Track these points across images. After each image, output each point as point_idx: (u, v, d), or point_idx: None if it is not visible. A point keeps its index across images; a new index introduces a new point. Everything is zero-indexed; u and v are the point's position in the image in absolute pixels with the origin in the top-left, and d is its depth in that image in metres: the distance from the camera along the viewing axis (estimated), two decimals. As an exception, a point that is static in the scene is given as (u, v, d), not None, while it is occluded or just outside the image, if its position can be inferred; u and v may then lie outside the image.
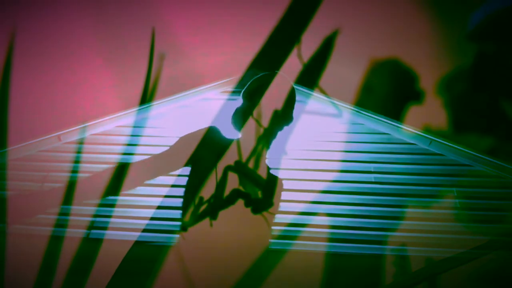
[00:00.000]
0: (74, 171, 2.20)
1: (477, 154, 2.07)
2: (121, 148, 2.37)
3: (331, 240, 1.92)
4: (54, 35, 2.02)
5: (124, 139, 2.33)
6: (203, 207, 1.13)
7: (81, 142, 2.28)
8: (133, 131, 2.38)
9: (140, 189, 2.13)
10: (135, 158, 2.23)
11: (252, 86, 1.28)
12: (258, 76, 1.29)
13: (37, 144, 2.31)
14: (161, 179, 2.16)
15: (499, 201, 2.00)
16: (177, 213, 1.99)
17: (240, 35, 1.97)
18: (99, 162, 2.23)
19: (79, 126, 2.34)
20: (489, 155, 1.93)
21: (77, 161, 2.25)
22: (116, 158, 2.28)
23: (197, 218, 1.14)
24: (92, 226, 2.02)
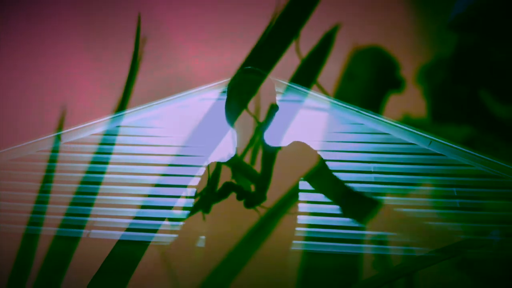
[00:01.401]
0: (74, 171, 2.20)
1: (477, 154, 2.07)
2: (121, 148, 2.37)
3: (330, 240, 1.92)
4: (49, 34, 2.02)
5: (124, 140, 2.33)
6: (195, 200, 1.13)
7: (58, 143, 2.27)
8: (132, 131, 2.38)
9: (124, 189, 2.13)
10: (135, 158, 2.23)
11: (232, 83, 1.31)
12: (236, 74, 1.31)
13: (37, 144, 2.32)
14: (144, 179, 2.16)
15: (499, 201, 1.99)
16: (163, 212, 2.00)
17: (238, 33, 1.97)
18: (99, 162, 2.23)
19: (79, 126, 2.34)
20: (466, 145, 1.92)
21: (76, 161, 2.25)
22: (116, 159, 2.29)
23: (190, 211, 1.13)
24: (92, 226, 2.02)
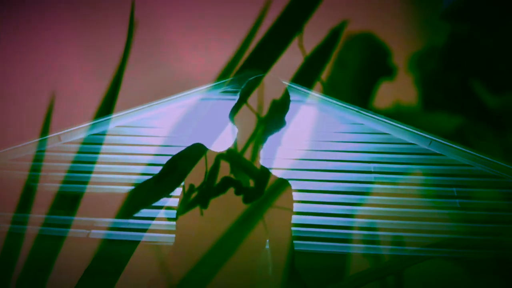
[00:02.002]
0: (74, 171, 2.20)
1: (477, 154, 2.06)
2: (121, 148, 2.37)
3: (330, 240, 1.92)
4: (49, 35, 2.03)
5: (124, 139, 2.33)
6: (193, 195, 1.12)
7: (44, 147, 2.27)
8: (132, 131, 2.38)
9: (124, 189, 2.13)
10: (135, 158, 2.23)
11: (247, 88, 1.27)
12: (253, 77, 1.28)
13: (37, 144, 2.32)
14: (144, 179, 2.16)
15: (499, 201, 1.99)
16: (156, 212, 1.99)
17: (238, 33, 1.97)
18: (99, 162, 2.23)
19: (79, 126, 2.34)
20: (456, 134, 1.93)
21: (77, 161, 2.25)
22: (116, 158, 2.28)
23: (187, 206, 1.12)
24: (92, 226, 2.02)
